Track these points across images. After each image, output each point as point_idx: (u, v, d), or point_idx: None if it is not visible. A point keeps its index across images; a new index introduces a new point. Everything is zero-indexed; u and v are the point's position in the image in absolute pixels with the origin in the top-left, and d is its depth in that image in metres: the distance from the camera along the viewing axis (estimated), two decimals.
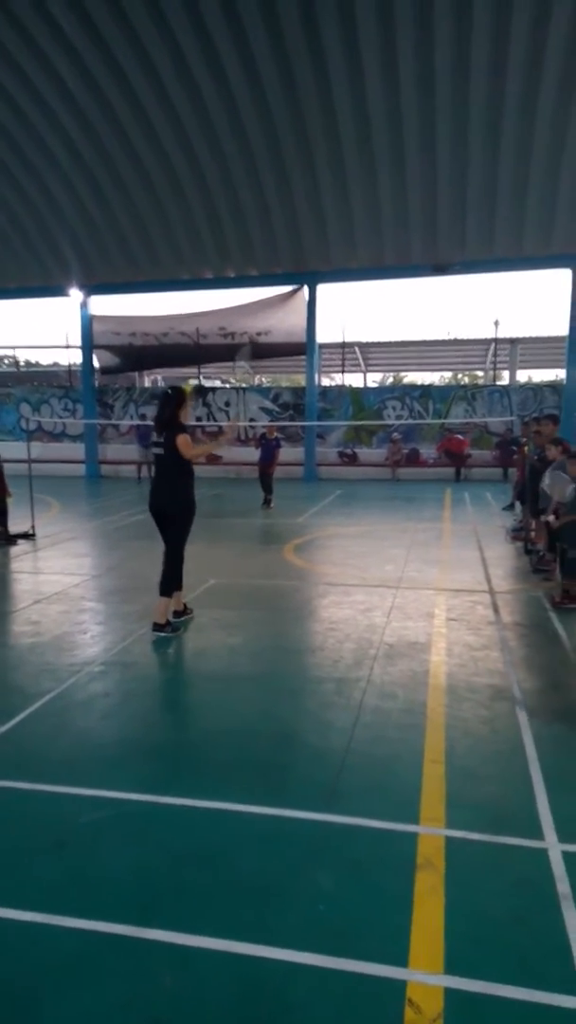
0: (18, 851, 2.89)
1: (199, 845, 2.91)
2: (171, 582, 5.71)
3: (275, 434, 13.65)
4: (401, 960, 2.29)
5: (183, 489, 5.59)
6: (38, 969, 2.28)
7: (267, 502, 13.11)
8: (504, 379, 24.42)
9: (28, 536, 9.91)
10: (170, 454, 5.51)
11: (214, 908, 2.54)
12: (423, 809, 3.13)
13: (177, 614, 5.87)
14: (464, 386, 24.55)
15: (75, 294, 19.71)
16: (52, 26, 13.05)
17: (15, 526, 9.86)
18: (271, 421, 19.41)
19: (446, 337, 25.94)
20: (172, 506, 5.60)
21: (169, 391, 5.78)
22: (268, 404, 20.92)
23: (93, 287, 19.72)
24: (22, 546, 9.50)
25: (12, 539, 9.63)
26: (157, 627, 5.67)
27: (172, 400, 5.65)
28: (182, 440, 5.47)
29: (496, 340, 24.18)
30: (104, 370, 22.97)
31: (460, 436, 19.08)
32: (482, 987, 2.19)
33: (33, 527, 10.13)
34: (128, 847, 2.90)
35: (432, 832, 2.98)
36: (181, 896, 2.60)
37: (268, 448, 13.22)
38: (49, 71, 14.08)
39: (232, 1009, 2.12)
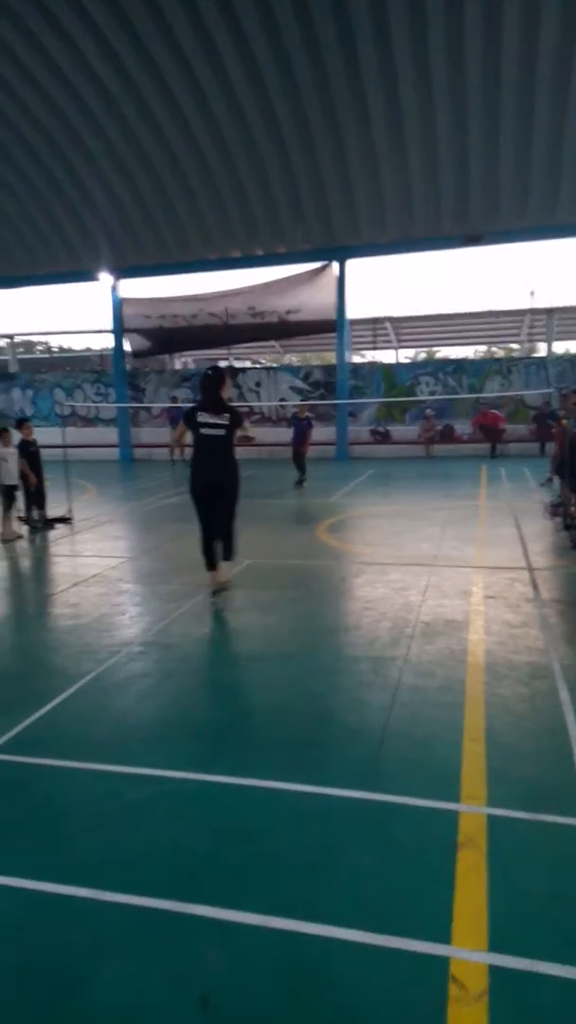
0: (65, 828, 2.95)
1: (241, 822, 2.94)
2: (234, 547, 6.03)
3: (306, 414, 13.56)
4: (444, 937, 2.29)
5: (235, 465, 5.83)
6: (87, 943, 2.34)
7: (300, 482, 13.08)
8: (540, 351, 23.85)
9: (65, 520, 10.06)
10: (229, 434, 5.69)
11: (257, 884, 2.56)
12: (464, 787, 3.12)
13: (213, 592, 5.95)
14: (499, 359, 24.07)
15: (105, 278, 19.78)
16: (78, 9, 12.97)
17: (52, 510, 10.02)
18: (302, 400, 19.31)
19: (479, 309, 25.34)
20: (230, 480, 5.80)
21: (210, 372, 5.90)
22: (299, 383, 20.80)
23: (123, 270, 19.76)
24: (60, 530, 9.65)
25: (50, 523, 9.79)
26: (221, 587, 5.96)
27: (217, 380, 5.79)
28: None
29: (532, 311, 23.59)
30: (135, 353, 23.05)
31: (496, 411, 18.74)
32: (527, 965, 2.17)
33: (70, 511, 10.28)
34: (170, 824, 2.95)
35: (473, 810, 2.96)
36: (224, 872, 2.64)
37: (300, 428, 13.15)
38: (75, 54, 14.03)
39: (276, 984, 2.15)
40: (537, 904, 2.44)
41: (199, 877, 2.61)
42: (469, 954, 2.23)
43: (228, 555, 6.00)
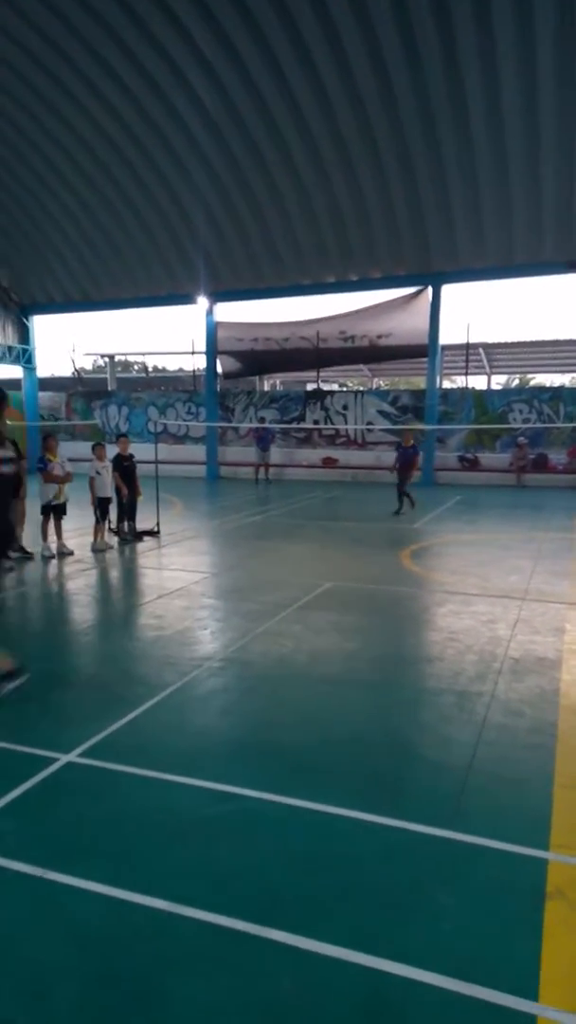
0: (145, 837, 2.99)
1: (319, 849, 2.89)
2: None
3: (412, 441, 13.34)
4: (531, 993, 2.16)
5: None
6: (163, 956, 2.34)
7: (401, 509, 12.77)
8: None
9: (153, 533, 10.34)
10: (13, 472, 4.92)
11: (335, 914, 2.51)
12: (554, 835, 2.96)
13: None
14: None
15: (202, 302, 20.41)
16: (187, 42, 13.60)
17: (141, 523, 10.33)
18: (394, 425, 19.36)
19: None
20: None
21: None
22: (386, 407, 20.71)
23: (219, 294, 20.33)
24: (148, 543, 9.93)
25: (139, 535, 10.09)
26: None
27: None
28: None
29: None
30: (226, 375, 23.62)
31: None
32: None
33: (158, 525, 10.57)
34: (249, 843, 2.93)
35: (564, 860, 2.80)
36: (302, 899, 2.59)
37: (406, 456, 12.91)
38: (183, 84, 14.69)
39: (351, 1021, 2.08)
40: None
41: (277, 901, 2.58)
42: (558, 1014, 2.09)
43: None
